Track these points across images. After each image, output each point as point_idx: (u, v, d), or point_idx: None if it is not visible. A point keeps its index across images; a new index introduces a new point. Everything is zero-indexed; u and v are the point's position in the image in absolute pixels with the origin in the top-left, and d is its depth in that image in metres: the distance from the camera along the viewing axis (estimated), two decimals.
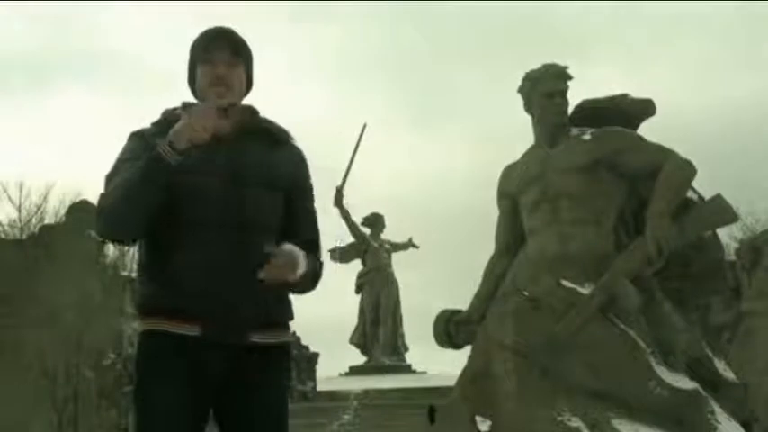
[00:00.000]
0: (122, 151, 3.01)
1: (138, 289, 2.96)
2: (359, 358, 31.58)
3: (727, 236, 21.60)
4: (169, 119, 3.01)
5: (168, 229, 2.86)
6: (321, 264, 3.12)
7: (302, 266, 2.88)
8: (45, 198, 26.92)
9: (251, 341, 2.88)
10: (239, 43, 3.07)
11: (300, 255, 2.87)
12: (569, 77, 5.47)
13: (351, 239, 29.94)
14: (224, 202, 2.87)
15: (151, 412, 2.88)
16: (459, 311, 5.74)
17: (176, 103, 3.12)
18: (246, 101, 3.14)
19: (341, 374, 30.08)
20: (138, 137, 3.02)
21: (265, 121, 3.12)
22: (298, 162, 3.14)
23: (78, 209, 22.34)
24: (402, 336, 31.75)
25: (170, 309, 2.84)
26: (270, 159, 3.02)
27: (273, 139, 3.09)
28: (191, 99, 3.13)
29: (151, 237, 2.92)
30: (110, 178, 2.94)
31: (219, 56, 3.01)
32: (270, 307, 2.95)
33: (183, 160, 2.80)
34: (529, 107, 5.52)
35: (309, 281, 3.02)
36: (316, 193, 3.23)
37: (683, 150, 5.20)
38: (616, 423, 4.66)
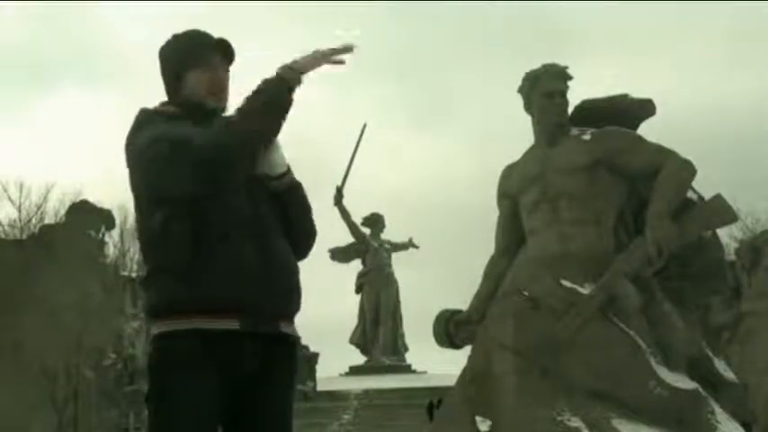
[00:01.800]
0: (150, 133, 2.89)
1: (161, 290, 2.90)
2: (359, 358, 31.63)
3: (727, 236, 21.63)
4: (161, 111, 3.02)
5: (194, 233, 2.87)
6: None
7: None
8: (45, 198, 26.96)
9: (281, 331, 2.97)
10: (231, 47, 3.11)
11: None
12: (569, 77, 5.46)
13: (351, 239, 29.96)
14: (247, 208, 2.94)
15: (185, 414, 2.85)
16: (459, 311, 5.74)
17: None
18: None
19: (341, 374, 30.12)
20: (155, 115, 2.99)
21: None
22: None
23: (78, 209, 22.38)
24: (402, 336, 31.80)
25: (206, 306, 2.85)
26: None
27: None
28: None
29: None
30: (143, 150, 2.84)
31: (215, 61, 3.06)
32: (293, 300, 3.04)
33: None
34: (529, 107, 5.52)
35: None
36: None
37: (683, 150, 5.20)
38: (616, 423, 4.66)
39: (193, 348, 2.84)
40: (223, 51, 3.08)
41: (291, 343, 3.04)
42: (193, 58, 3.05)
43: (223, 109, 3.06)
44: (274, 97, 2.85)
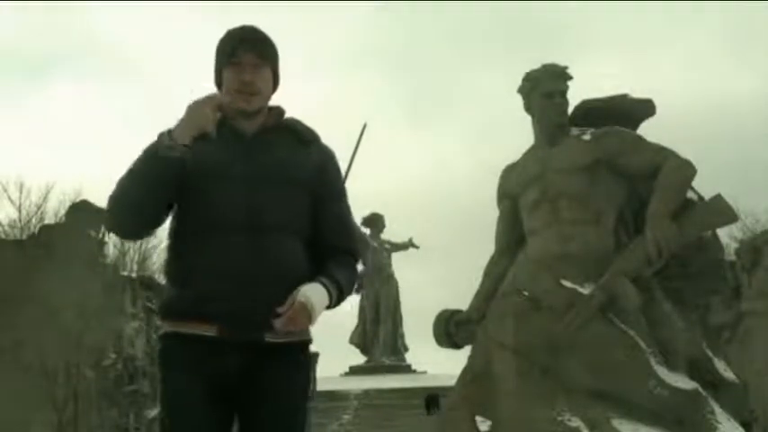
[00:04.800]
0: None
1: (163, 292, 3.02)
2: (359, 358, 31.61)
3: (727, 236, 21.57)
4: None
5: (186, 234, 2.89)
6: (355, 272, 3.05)
7: (319, 305, 2.86)
8: (45, 198, 26.90)
9: (267, 341, 2.87)
10: (264, 43, 3.00)
11: (314, 296, 2.83)
12: (569, 77, 5.47)
13: None
14: (240, 205, 2.86)
15: (175, 413, 2.90)
16: (459, 311, 5.74)
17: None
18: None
19: (341, 374, 30.09)
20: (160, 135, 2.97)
21: (292, 120, 3.07)
22: (325, 161, 3.06)
23: (78, 209, 22.32)
24: (402, 336, 31.79)
25: (188, 311, 2.86)
26: (293, 159, 2.97)
27: (299, 138, 3.03)
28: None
29: (172, 241, 2.96)
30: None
31: (245, 59, 2.94)
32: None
33: (200, 163, 2.82)
34: (529, 107, 5.52)
35: (336, 301, 2.97)
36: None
37: (683, 150, 5.20)
38: (616, 423, 4.66)
39: (181, 350, 2.88)
40: (248, 46, 2.94)
41: (285, 350, 2.91)
42: (225, 56, 2.97)
43: (255, 111, 2.96)
44: (148, 164, 2.82)
